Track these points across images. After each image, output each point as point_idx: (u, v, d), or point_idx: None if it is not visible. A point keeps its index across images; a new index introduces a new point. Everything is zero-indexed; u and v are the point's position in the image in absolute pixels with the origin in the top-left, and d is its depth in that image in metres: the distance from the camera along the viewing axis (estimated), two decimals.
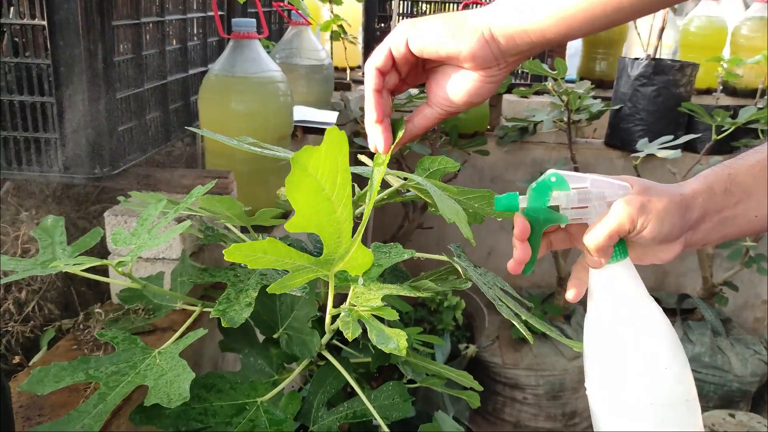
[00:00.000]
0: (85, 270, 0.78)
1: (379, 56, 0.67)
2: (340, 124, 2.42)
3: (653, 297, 0.71)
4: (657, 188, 0.67)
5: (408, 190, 0.93)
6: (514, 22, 0.64)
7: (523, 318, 0.81)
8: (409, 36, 0.66)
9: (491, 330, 2.76)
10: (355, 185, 0.89)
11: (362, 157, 0.93)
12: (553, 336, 0.80)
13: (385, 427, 0.80)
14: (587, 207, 0.67)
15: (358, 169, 0.78)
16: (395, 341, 0.66)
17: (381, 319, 0.71)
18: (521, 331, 0.74)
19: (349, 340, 0.68)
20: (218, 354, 1.19)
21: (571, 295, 0.73)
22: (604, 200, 0.67)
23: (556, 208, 0.67)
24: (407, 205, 2.75)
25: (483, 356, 2.64)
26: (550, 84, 2.41)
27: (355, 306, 0.73)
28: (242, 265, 0.86)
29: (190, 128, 0.92)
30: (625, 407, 0.66)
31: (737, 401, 2.50)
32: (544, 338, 2.69)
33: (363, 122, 2.69)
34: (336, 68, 2.87)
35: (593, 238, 0.66)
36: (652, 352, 0.66)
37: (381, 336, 0.67)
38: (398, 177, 0.91)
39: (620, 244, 0.67)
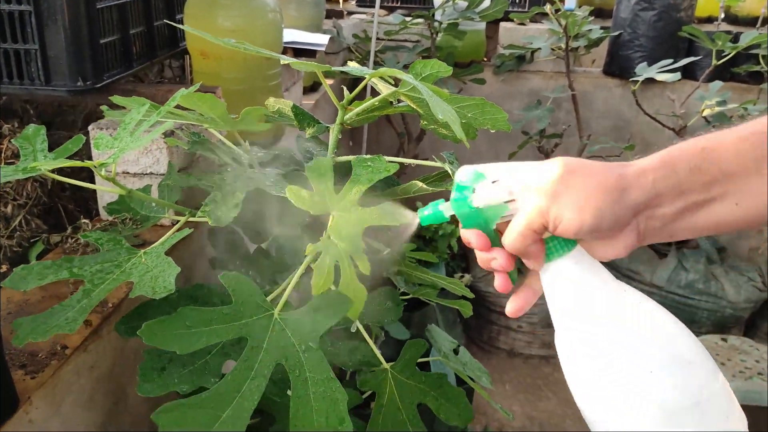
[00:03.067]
0: (73, 181, 0.76)
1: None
2: (332, 52, 2.37)
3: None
4: (585, 170, 0.54)
5: (399, 101, 0.91)
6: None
7: None
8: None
9: None
10: (344, 88, 0.86)
11: (352, 63, 0.90)
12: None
13: (367, 334, 0.79)
14: (515, 200, 0.55)
15: (349, 69, 0.75)
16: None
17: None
18: None
19: (314, 294, 0.67)
20: (210, 273, 1.18)
21: (510, 306, 0.61)
22: (531, 189, 0.55)
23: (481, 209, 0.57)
24: (402, 136, 2.72)
25: (478, 286, 2.65)
26: (548, 8, 2.35)
27: (335, 239, 0.71)
28: (229, 168, 0.84)
29: (172, 23, 0.88)
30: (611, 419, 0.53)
31: (730, 327, 2.52)
32: None
33: (356, 51, 2.63)
34: None
35: (507, 240, 0.56)
36: (626, 356, 0.53)
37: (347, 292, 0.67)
38: (389, 83, 0.89)
39: (560, 239, 0.56)
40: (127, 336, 0.72)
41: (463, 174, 0.57)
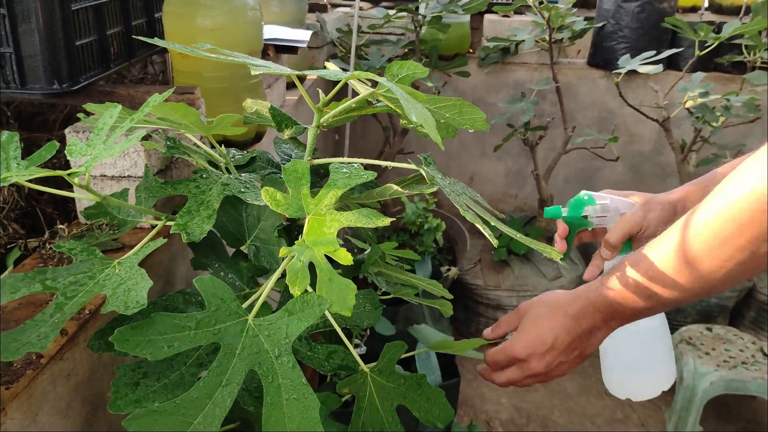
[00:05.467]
0: (49, 187, 0.76)
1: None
2: (316, 47, 2.36)
3: None
4: (654, 199, 0.96)
5: (378, 101, 0.90)
6: None
7: (492, 224, 0.80)
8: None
9: (473, 254, 2.78)
10: (320, 90, 0.86)
11: (328, 63, 0.89)
12: (536, 248, 0.77)
13: (341, 333, 0.79)
14: (606, 216, 0.99)
15: (322, 72, 0.75)
16: (342, 298, 0.65)
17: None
18: (486, 234, 0.73)
19: (294, 295, 0.67)
20: (191, 273, 1.18)
21: (587, 274, 1.00)
22: (618, 212, 0.98)
23: (586, 217, 0.99)
24: (387, 130, 2.72)
25: (465, 279, 2.66)
26: (531, 0, 2.35)
27: (310, 243, 0.70)
28: (204, 174, 0.84)
29: (141, 37, 0.87)
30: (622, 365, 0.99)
31: (715, 316, 2.54)
32: (525, 260, 2.71)
33: (340, 45, 2.62)
34: None
35: (612, 237, 0.95)
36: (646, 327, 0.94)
37: (329, 291, 0.66)
38: (367, 84, 0.88)
39: (627, 242, 0.96)
40: (101, 351, 0.71)
41: (583, 194, 1.00)
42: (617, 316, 0.80)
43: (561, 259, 0.91)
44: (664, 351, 0.99)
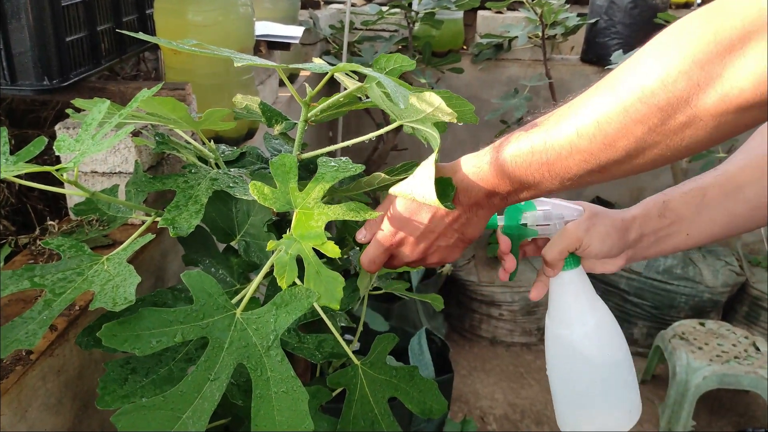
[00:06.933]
0: (40, 183, 0.76)
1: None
2: (308, 44, 2.36)
3: None
4: (603, 214, 0.82)
5: (367, 96, 0.90)
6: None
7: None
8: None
9: (467, 250, 2.78)
10: (307, 85, 0.86)
11: (316, 59, 0.89)
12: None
13: (326, 318, 0.80)
14: (549, 224, 0.84)
15: (308, 66, 0.75)
16: (330, 291, 0.66)
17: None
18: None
19: (282, 287, 0.67)
20: (182, 270, 1.18)
21: (533, 293, 0.87)
22: (563, 219, 0.84)
23: (526, 225, 0.84)
24: (381, 127, 2.72)
25: (459, 275, 2.66)
26: None
27: (297, 237, 0.71)
28: (192, 169, 0.84)
29: (127, 32, 0.87)
30: (575, 390, 0.85)
31: (708, 311, 2.55)
32: None
33: (333, 41, 2.62)
34: None
35: (549, 254, 0.81)
36: (595, 346, 0.83)
37: (317, 284, 0.67)
38: (354, 78, 0.88)
39: (573, 256, 0.83)
40: (90, 348, 0.71)
41: None
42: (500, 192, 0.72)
43: (510, 279, 0.86)
44: (625, 386, 0.85)
